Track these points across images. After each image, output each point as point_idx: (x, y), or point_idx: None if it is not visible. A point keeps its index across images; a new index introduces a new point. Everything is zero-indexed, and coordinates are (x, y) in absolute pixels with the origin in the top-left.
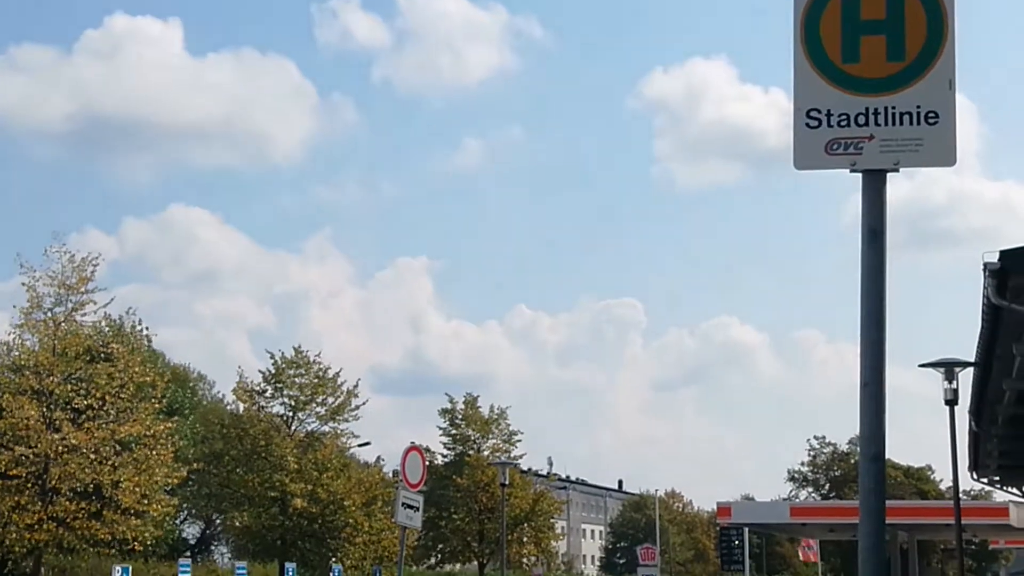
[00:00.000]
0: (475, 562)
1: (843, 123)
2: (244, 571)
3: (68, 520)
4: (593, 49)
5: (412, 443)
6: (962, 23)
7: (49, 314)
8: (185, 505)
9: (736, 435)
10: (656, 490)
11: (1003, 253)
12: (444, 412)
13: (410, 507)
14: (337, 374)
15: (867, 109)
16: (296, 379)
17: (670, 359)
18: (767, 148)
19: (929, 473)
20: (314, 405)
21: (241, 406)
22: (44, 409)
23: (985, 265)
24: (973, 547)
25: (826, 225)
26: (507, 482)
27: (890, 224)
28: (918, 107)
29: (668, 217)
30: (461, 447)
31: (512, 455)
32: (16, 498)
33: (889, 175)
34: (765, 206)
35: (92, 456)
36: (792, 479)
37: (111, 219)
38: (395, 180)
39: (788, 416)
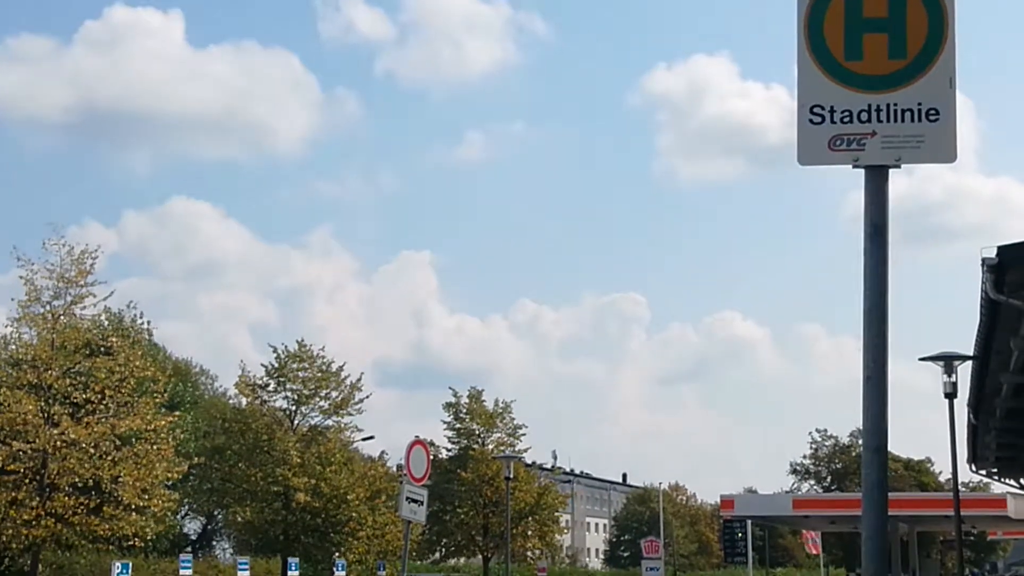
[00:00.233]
0: (479, 556)
1: (846, 119)
2: (247, 566)
3: (67, 516)
4: (596, 44)
5: (416, 437)
6: (960, 20)
7: (48, 308)
8: (186, 500)
9: (738, 428)
10: (660, 483)
11: (1001, 249)
12: (448, 406)
13: (414, 501)
14: (341, 368)
15: (869, 106)
16: (299, 373)
17: (673, 353)
18: (768, 144)
19: (929, 465)
20: (317, 399)
21: (243, 400)
22: (42, 404)
23: (983, 260)
24: (972, 538)
25: (826, 220)
26: (511, 476)
27: (889, 219)
28: (919, 104)
29: (670, 212)
30: (465, 441)
31: (517, 449)
32: (13, 494)
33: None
34: (766, 201)
35: (92, 451)
36: (794, 472)
37: (111, 212)
38: (398, 173)
39: (790, 409)
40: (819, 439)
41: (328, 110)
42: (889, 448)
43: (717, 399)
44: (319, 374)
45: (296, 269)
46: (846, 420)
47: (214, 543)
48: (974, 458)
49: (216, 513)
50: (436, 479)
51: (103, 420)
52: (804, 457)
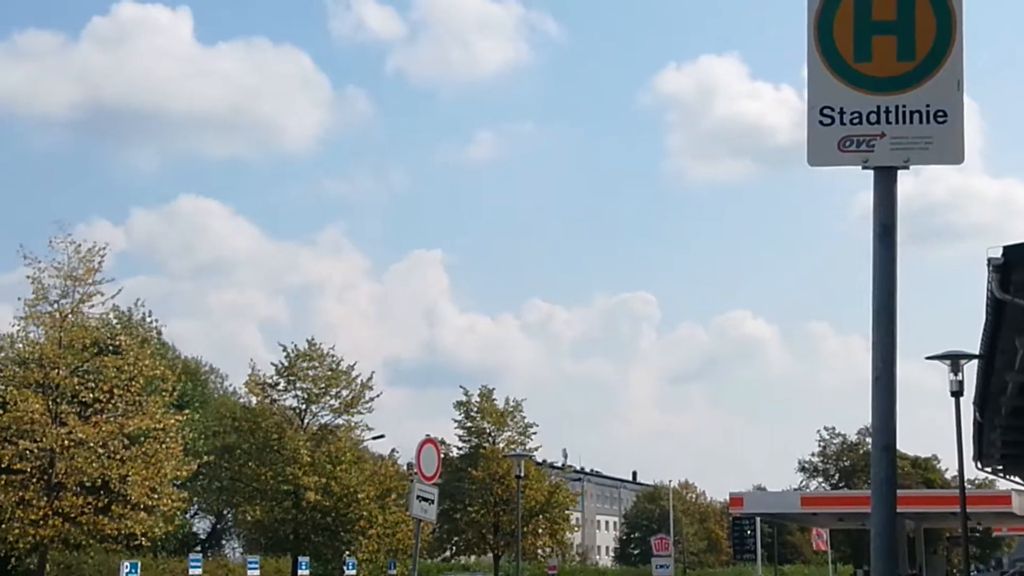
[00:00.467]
0: (490, 554)
1: (855, 121)
2: (256, 565)
3: (74, 515)
4: (606, 45)
5: (427, 436)
6: (966, 21)
7: (55, 306)
8: (196, 499)
9: (747, 427)
10: (670, 481)
11: (1007, 249)
12: (459, 405)
13: (425, 500)
14: (351, 367)
15: (878, 107)
16: (309, 372)
17: (682, 352)
18: (777, 144)
19: (935, 463)
20: (328, 398)
21: (253, 399)
22: (50, 403)
23: (989, 260)
24: (977, 535)
25: (835, 219)
26: (522, 474)
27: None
28: (927, 106)
29: (680, 212)
30: (476, 439)
31: (527, 447)
32: (21, 493)
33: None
34: (775, 201)
35: (100, 450)
36: (802, 469)
37: (119, 209)
38: (408, 172)
39: (798, 408)
40: (827, 437)
41: (338, 108)
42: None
43: (726, 398)
44: (329, 373)
45: (306, 267)
46: (854, 418)
47: (224, 542)
48: (980, 455)
49: (226, 512)
50: (447, 477)
51: (111, 419)
52: (812, 455)
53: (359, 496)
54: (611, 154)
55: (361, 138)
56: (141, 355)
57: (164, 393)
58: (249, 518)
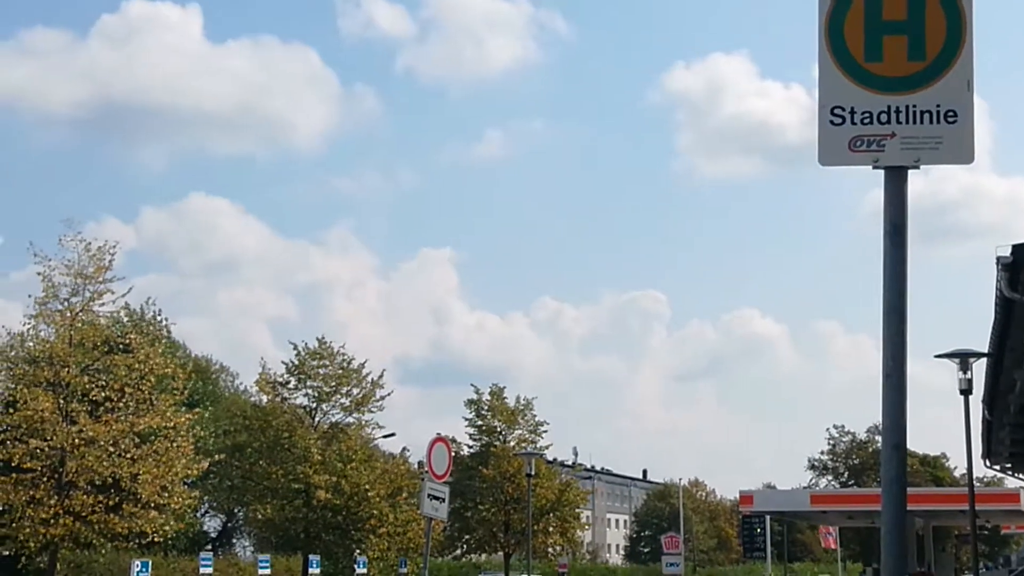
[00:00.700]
0: (501, 552)
1: (866, 121)
2: (267, 564)
3: (85, 514)
4: (615, 43)
5: (438, 434)
6: (976, 21)
7: (66, 304)
8: (206, 498)
9: (757, 425)
10: (680, 479)
11: (1016, 247)
12: (470, 403)
13: (436, 498)
14: (362, 365)
15: (889, 107)
16: (320, 370)
17: (691, 350)
18: (787, 142)
19: (944, 461)
20: (338, 396)
21: (264, 397)
22: (60, 401)
23: (998, 259)
24: (986, 532)
25: (844, 218)
26: (533, 473)
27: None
28: (938, 106)
29: (689, 210)
30: (487, 438)
31: (538, 446)
32: (31, 492)
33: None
34: (784, 199)
35: (110, 449)
36: (812, 467)
37: (128, 208)
38: (417, 170)
39: (807, 406)
40: (836, 435)
41: (347, 106)
42: None
43: (735, 396)
44: (339, 371)
45: (315, 265)
46: (863, 416)
47: (234, 541)
48: (988, 453)
49: (236, 511)
50: (457, 476)
51: (122, 418)
52: (822, 453)
53: (370, 495)
54: (620, 152)
55: (370, 136)
56: (152, 353)
57: (175, 391)
58: (260, 517)
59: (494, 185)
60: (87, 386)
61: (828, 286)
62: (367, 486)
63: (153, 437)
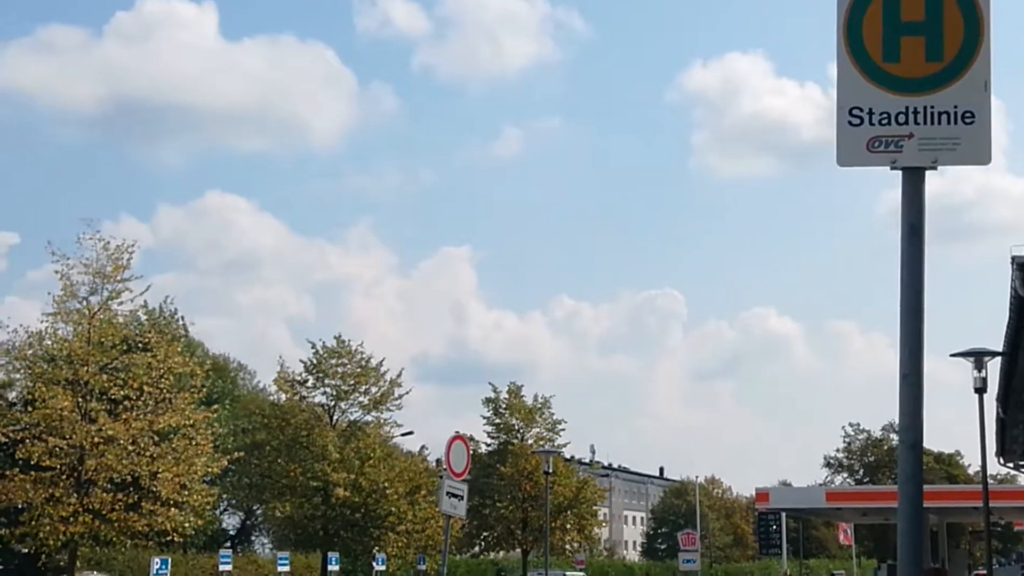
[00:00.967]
0: (519, 550)
1: (884, 121)
2: (287, 561)
3: (104, 512)
4: (633, 42)
5: (457, 432)
6: (994, 22)
7: (84, 303)
8: (225, 496)
9: (773, 423)
10: (696, 477)
11: None
12: (488, 401)
13: (455, 496)
14: (380, 363)
15: (907, 108)
16: (338, 368)
17: (708, 349)
18: (802, 141)
19: (958, 458)
20: (356, 394)
21: (283, 396)
22: (79, 399)
23: (1013, 259)
24: (999, 529)
25: (860, 217)
26: (551, 470)
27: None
28: (955, 107)
29: (706, 209)
30: (505, 436)
31: (556, 444)
32: (50, 490)
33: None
34: (800, 198)
35: (130, 447)
36: (828, 465)
37: (145, 206)
38: (435, 169)
39: (823, 404)
40: (852, 433)
41: (364, 104)
42: None
43: (752, 394)
44: (358, 370)
45: (333, 264)
46: (878, 414)
47: (253, 538)
48: (1002, 451)
49: (255, 508)
50: (476, 474)
51: (141, 416)
52: (837, 450)
53: (388, 492)
54: (637, 151)
55: (387, 134)
56: (170, 352)
57: (193, 390)
58: (279, 514)
59: (512, 183)
60: (106, 384)
61: (844, 285)
62: (386, 484)
63: (172, 435)
